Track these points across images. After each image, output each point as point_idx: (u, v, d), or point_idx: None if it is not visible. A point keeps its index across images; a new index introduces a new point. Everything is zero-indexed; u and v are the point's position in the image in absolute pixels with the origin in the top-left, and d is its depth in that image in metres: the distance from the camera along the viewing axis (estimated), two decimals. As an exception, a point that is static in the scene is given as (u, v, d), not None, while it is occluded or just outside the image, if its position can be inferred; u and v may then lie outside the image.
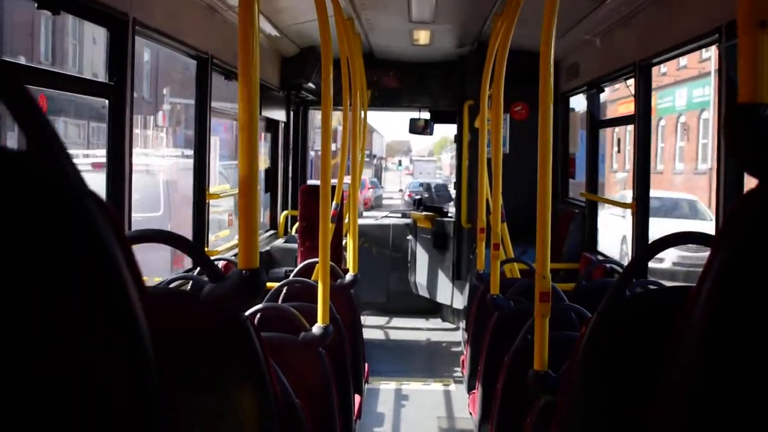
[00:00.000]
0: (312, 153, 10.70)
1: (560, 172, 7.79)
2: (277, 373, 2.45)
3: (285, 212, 8.87)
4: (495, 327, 4.59)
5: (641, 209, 5.47)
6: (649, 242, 4.84)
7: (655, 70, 5.49)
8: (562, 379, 2.65)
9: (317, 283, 3.77)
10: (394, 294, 9.63)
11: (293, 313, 3.47)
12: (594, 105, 7.03)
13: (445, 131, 58.65)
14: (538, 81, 3.02)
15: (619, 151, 22.15)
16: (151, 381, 0.66)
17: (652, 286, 4.11)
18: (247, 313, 2.29)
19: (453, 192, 10.82)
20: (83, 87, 4.26)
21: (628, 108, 5.71)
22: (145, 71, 23.01)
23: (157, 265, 8.98)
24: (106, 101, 3.91)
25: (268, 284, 4.66)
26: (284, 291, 4.52)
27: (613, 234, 14.99)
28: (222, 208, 13.13)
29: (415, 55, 8.74)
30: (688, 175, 24.37)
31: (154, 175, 11.93)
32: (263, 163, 8.51)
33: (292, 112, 8.98)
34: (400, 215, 11.25)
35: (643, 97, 5.44)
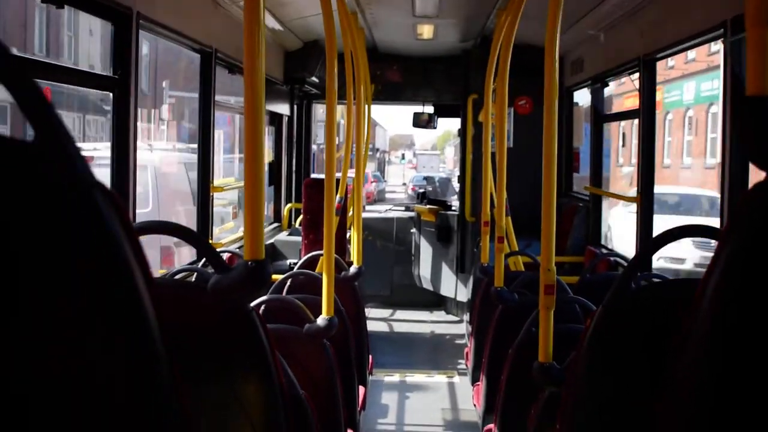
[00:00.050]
0: (314, 147, 10.66)
1: (564, 166, 7.78)
2: (283, 365, 2.46)
3: (289, 205, 8.88)
4: (499, 319, 4.60)
5: (645, 203, 5.47)
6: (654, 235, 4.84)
7: (662, 63, 5.49)
8: (567, 371, 2.65)
9: (321, 275, 3.78)
10: (398, 287, 9.65)
11: (298, 304, 3.47)
12: (598, 99, 7.02)
13: (449, 125, 58.60)
14: (542, 75, 3.02)
15: (623, 145, 22.08)
16: (160, 372, 0.67)
17: (656, 279, 4.11)
18: (252, 305, 2.30)
19: (456, 186, 10.80)
20: (87, 80, 4.27)
21: (634, 102, 5.70)
22: (144, 64, 22.86)
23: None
24: (104, 94, 3.92)
25: (273, 276, 4.67)
26: (288, 283, 4.53)
27: (631, 231, 14.60)
28: (226, 201, 13.06)
29: (419, 49, 8.73)
30: (697, 170, 24.22)
31: (143, 170, 11.66)
32: (267, 156, 8.52)
33: (295, 106, 8.98)
34: (403, 208, 11.26)
35: (648, 91, 5.43)
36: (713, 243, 2.09)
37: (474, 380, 5.52)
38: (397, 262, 9.72)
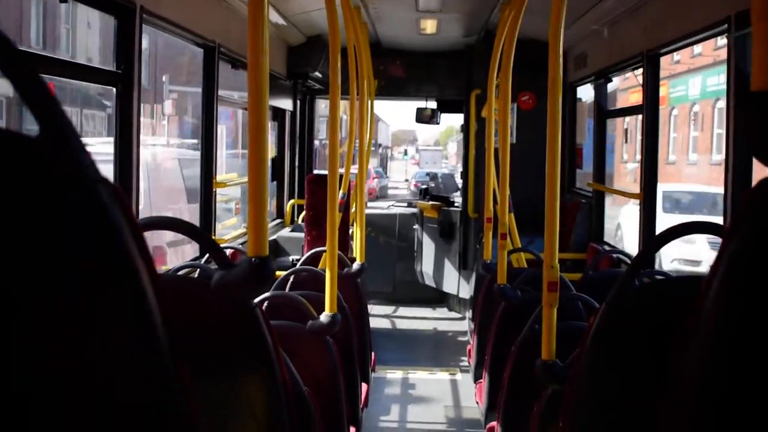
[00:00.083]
0: (316, 142, 10.64)
1: (567, 163, 7.77)
2: (286, 362, 2.46)
3: (291, 201, 8.88)
4: (501, 316, 4.60)
5: (648, 199, 5.46)
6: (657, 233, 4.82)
7: (667, 57, 5.47)
8: (571, 368, 2.65)
9: (324, 271, 3.77)
10: (401, 283, 9.64)
11: (301, 301, 3.47)
12: (601, 95, 7.01)
13: (451, 120, 58.57)
14: (545, 70, 3.01)
15: (626, 141, 22.01)
16: (165, 371, 0.66)
17: (659, 276, 4.10)
18: (255, 301, 2.29)
19: (459, 182, 10.79)
20: (91, 75, 4.27)
21: (639, 97, 5.69)
22: (143, 58, 22.56)
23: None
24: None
25: (276, 273, 4.67)
26: (291, 279, 4.53)
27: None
28: (228, 197, 12.95)
29: (422, 44, 8.71)
30: (703, 166, 24.05)
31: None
32: (270, 152, 8.51)
33: (298, 101, 8.97)
34: (406, 205, 11.26)
35: (651, 87, 5.42)
36: None
37: (476, 377, 5.52)
38: (400, 258, 9.71)
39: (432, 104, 9.61)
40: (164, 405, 0.66)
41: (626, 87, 20.64)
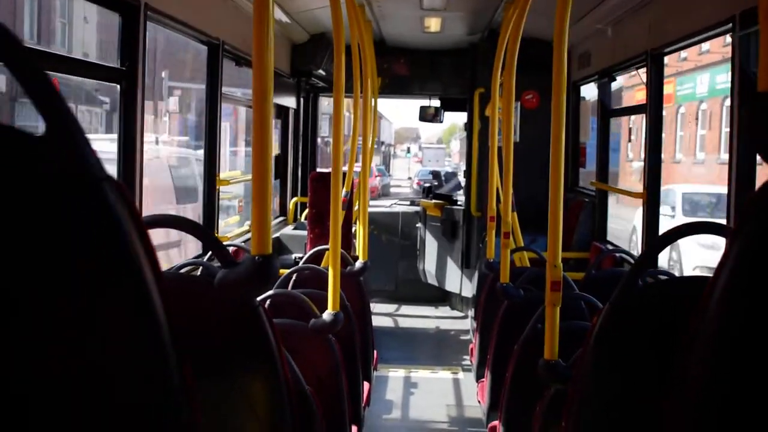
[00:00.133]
0: (319, 140, 10.63)
1: (571, 161, 7.76)
2: (288, 360, 2.46)
3: (294, 199, 8.88)
4: (504, 315, 4.59)
5: (652, 199, 5.45)
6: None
7: (674, 55, 5.46)
8: (574, 368, 2.65)
9: (327, 270, 3.77)
10: (403, 282, 9.64)
11: (304, 299, 3.47)
12: (605, 94, 7.00)
13: (454, 118, 58.49)
14: (549, 69, 3.00)
15: (630, 140, 21.93)
16: (168, 369, 0.66)
17: (662, 276, 4.10)
18: (258, 300, 2.29)
19: (462, 180, 10.78)
20: (95, 72, 4.27)
21: (644, 95, 5.68)
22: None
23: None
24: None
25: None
26: (294, 277, 4.53)
27: (659, 232, 13.42)
28: (231, 194, 12.89)
29: (426, 42, 8.71)
30: (711, 165, 23.88)
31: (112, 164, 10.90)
32: (273, 149, 8.50)
33: (302, 99, 8.97)
34: (409, 203, 11.25)
35: (655, 86, 5.41)
36: None
37: (479, 377, 5.52)
38: (402, 256, 9.71)
39: (435, 102, 9.60)
40: (166, 405, 0.66)
41: (632, 84, 20.57)
